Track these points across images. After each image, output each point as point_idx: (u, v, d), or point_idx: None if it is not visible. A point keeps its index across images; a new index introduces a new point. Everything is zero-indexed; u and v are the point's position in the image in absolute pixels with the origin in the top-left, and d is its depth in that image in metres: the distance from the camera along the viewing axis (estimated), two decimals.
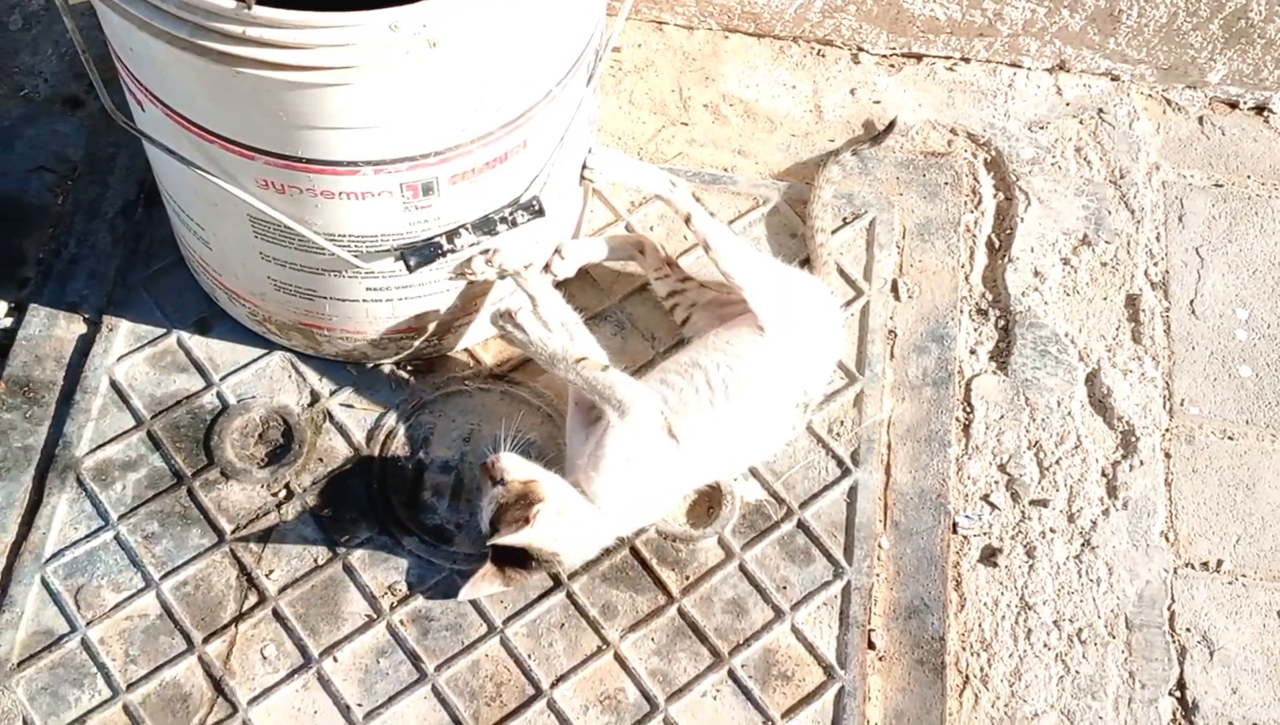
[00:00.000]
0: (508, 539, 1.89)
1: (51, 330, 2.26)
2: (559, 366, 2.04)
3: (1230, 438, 2.27)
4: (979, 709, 2.04)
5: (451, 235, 1.96)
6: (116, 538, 2.08)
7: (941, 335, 2.33)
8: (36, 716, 1.94)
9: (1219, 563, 2.16)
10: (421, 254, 1.95)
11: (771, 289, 2.11)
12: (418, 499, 2.13)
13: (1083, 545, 2.17)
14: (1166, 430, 2.27)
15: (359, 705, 1.98)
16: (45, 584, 2.03)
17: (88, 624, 2.01)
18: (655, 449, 1.98)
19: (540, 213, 1.99)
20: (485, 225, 1.97)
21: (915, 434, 2.23)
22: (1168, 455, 2.25)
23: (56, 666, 1.98)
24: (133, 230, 2.35)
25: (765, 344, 2.07)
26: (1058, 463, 2.23)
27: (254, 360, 2.24)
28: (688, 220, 2.17)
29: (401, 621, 2.04)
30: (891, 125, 2.49)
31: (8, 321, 2.27)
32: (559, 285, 2.19)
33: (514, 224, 1.98)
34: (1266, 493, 2.22)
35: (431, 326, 2.17)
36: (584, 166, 2.15)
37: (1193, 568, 2.16)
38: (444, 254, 1.96)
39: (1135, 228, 2.46)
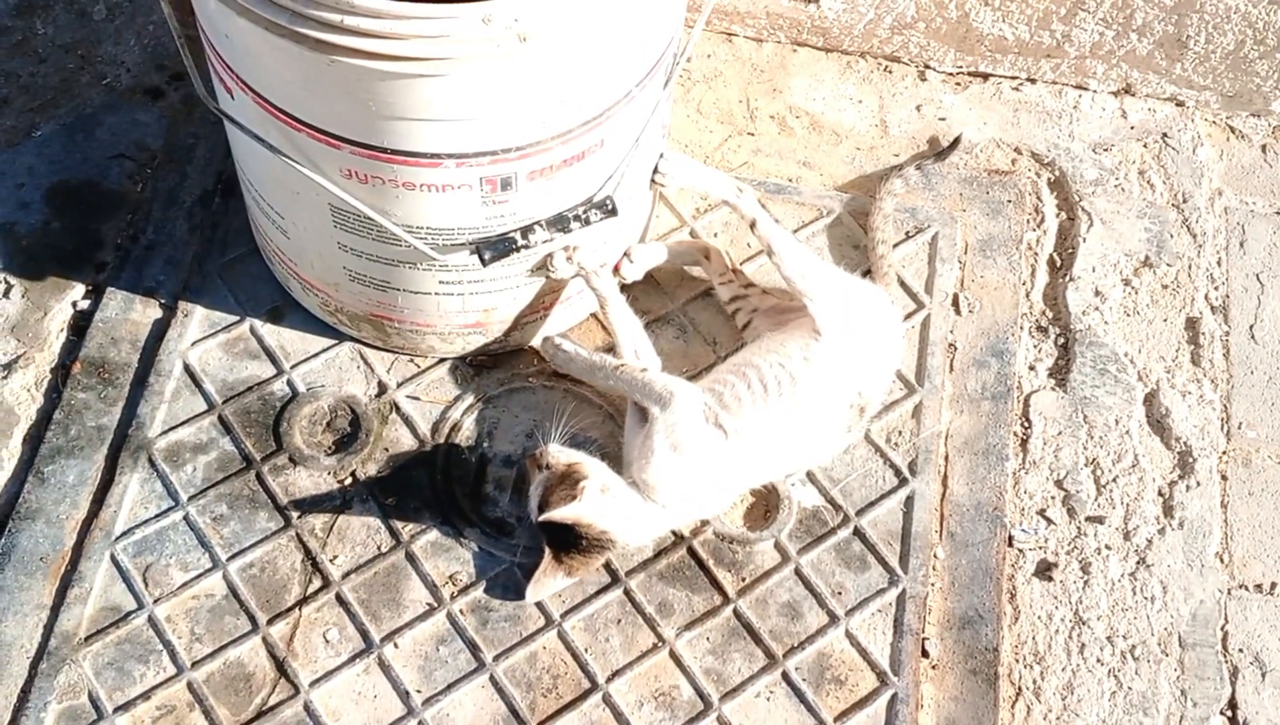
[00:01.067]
0: (557, 514, 1.93)
1: (128, 314, 2.30)
2: (598, 375, 2.13)
3: None
4: (1031, 720, 2.05)
5: (526, 231, 1.99)
6: (186, 518, 2.12)
7: (1001, 350, 2.35)
8: (101, 690, 1.98)
9: (1273, 585, 2.17)
10: (496, 248, 1.99)
11: (831, 294, 2.13)
12: (480, 491, 2.16)
13: (1138, 563, 2.18)
14: (1224, 453, 2.28)
15: (418, 692, 2.01)
16: (115, 561, 2.07)
17: (155, 602, 2.05)
18: (701, 439, 2.01)
19: (614, 212, 2.02)
20: (559, 222, 2.00)
21: (973, 447, 2.25)
22: (1224, 477, 2.26)
23: (123, 642, 2.02)
24: (209, 219, 2.40)
25: (821, 346, 2.09)
26: (1114, 481, 2.24)
27: (324, 350, 2.28)
28: (753, 225, 2.20)
29: (461, 611, 2.07)
30: (956, 142, 2.52)
31: (85, 303, 2.32)
32: (623, 289, 2.22)
33: (587, 222, 2.02)
34: None
35: (499, 322, 2.20)
36: (655, 171, 2.18)
37: (1246, 589, 2.16)
38: (518, 249, 2.00)
39: (1196, 252, 2.47)
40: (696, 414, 2.02)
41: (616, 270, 2.24)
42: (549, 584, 2.02)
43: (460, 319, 2.18)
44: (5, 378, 2.23)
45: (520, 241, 1.99)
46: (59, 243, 2.37)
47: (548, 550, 2.00)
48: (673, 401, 2.02)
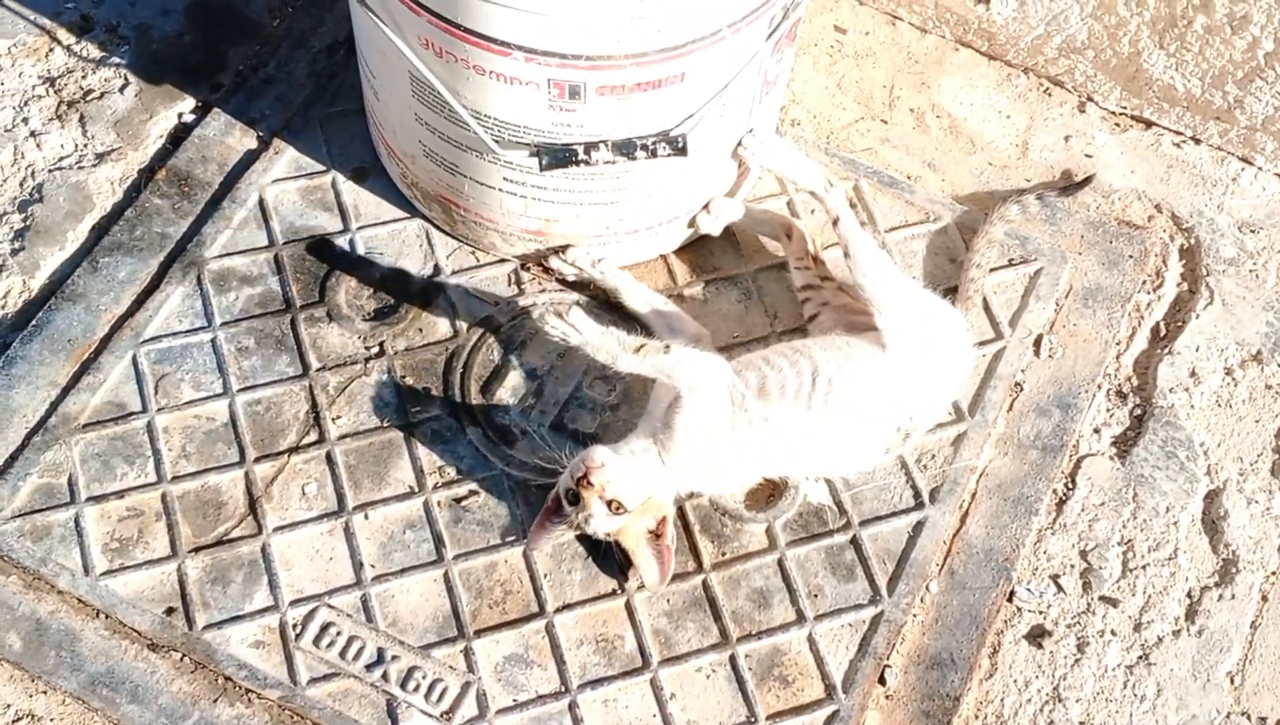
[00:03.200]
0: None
1: (225, 137, 2.35)
2: (621, 362, 1.96)
3: None
4: None
5: (590, 147, 1.96)
6: (213, 341, 2.16)
7: (1069, 403, 2.21)
8: (82, 477, 2.04)
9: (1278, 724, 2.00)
10: (556, 156, 1.96)
11: (904, 311, 2.03)
12: (495, 395, 2.15)
13: (1140, 658, 2.04)
14: (1273, 573, 2.11)
15: (372, 566, 2.01)
16: (135, 362, 2.13)
17: (159, 410, 2.10)
18: (724, 425, 1.95)
19: (683, 151, 1.97)
20: (626, 147, 1.96)
21: (1005, 492, 2.13)
22: (1265, 598, 2.09)
23: (116, 439, 2.08)
24: (330, 68, 2.43)
25: (882, 362, 2.00)
26: (1144, 568, 2.10)
27: (394, 220, 2.29)
28: (835, 222, 2.12)
29: (439, 503, 2.06)
30: (1088, 180, 2.38)
31: (191, 117, 2.38)
32: (701, 242, 2.18)
33: (654, 154, 1.97)
34: None
35: (561, 236, 2.18)
36: (739, 143, 2.12)
37: (1248, 718, 2.00)
38: (578, 162, 1.97)
39: None
40: (723, 401, 1.95)
41: (693, 223, 2.19)
42: (548, 534, 1.98)
43: (522, 222, 2.16)
44: (96, 165, 2.31)
45: (582, 155, 1.96)
46: (186, 55, 2.44)
47: (550, 502, 1.96)
48: (700, 388, 1.94)
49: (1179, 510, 2.15)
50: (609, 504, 1.88)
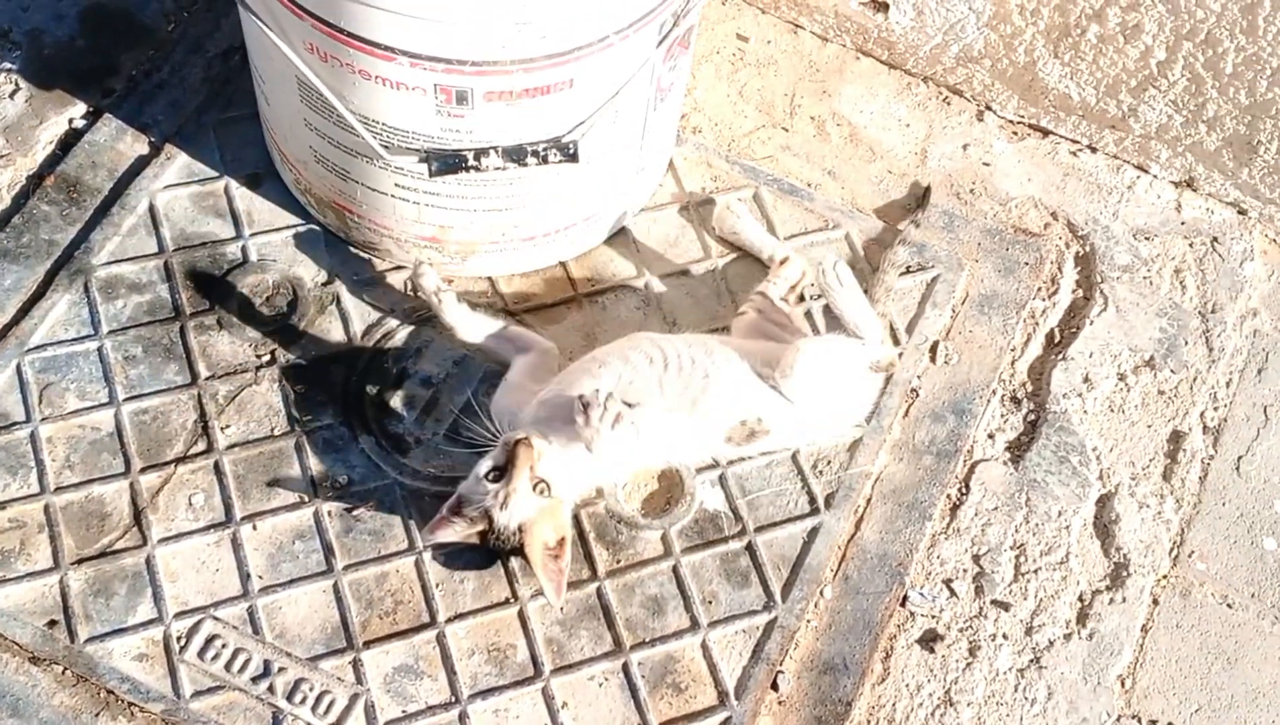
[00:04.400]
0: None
1: (116, 143, 2.32)
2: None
3: (1229, 605, 2.12)
4: None
5: (480, 153, 1.94)
6: (99, 350, 2.13)
7: (964, 409, 2.23)
8: None
9: None
10: (445, 162, 1.95)
11: (817, 361, 2.04)
12: (388, 404, 2.13)
13: (1031, 661, 2.05)
14: (1164, 577, 2.13)
15: (259, 577, 1.98)
16: (19, 370, 2.09)
17: (42, 420, 2.06)
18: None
19: (574, 158, 1.97)
20: (517, 153, 1.95)
21: (900, 497, 2.14)
22: (1156, 602, 2.11)
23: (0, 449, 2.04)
24: (224, 74, 2.40)
25: (769, 387, 2.02)
26: (1035, 572, 2.11)
27: (288, 227, 2.27)
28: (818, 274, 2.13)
29: (329, 513, 2.04)
30: (926, 193, 2.38)
31: (82, 123, 2.35)
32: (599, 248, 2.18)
33: (545, 161, 1.96)
34: (1246, 672, 2.06)
35: (456, 243, 2.16)
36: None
37: (1138, 721, 2.02)
38: (468, 168, 1.95)
39: (1208, 366, 2.31)
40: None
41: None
42: (450, 528, 1.95)
43: (416, 229, 2.14)
44: None
45: (472, 161, 1.95)
46: (78, 60, 2.40)
47: (454, 499, 1.94)
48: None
49: (1071, 514, 2.17)
50: (535, 485, 1.86)
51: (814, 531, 2.09)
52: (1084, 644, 2.07)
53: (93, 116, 2.35)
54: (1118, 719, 2.02)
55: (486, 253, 2.19)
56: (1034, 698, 2.03)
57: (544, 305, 2.24)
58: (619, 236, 2.31)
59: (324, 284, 2.22)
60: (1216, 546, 2.16)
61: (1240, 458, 2.24)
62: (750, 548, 2.07)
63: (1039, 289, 2.37)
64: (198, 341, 2.15)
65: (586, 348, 2.19)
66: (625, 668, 1.97)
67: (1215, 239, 2.44)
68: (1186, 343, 2.33)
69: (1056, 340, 2.33)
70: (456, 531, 1.94)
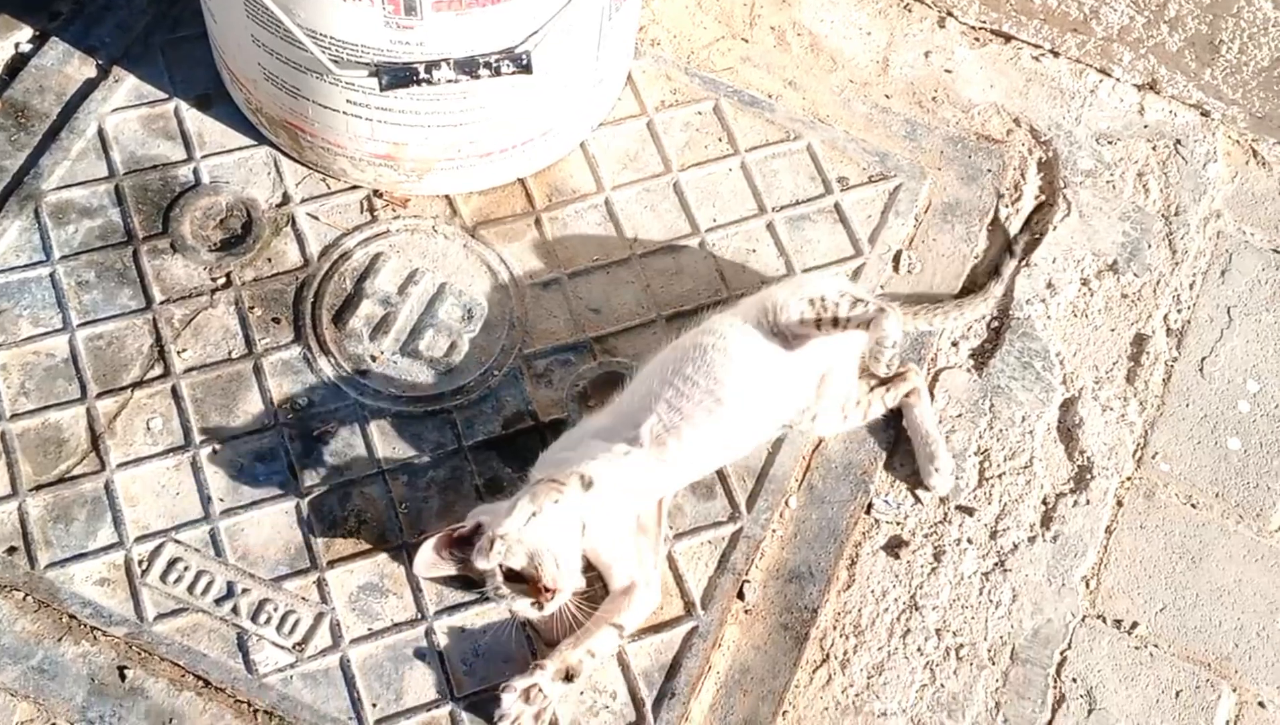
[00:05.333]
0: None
1: (63, 66, 2.28)
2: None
3: (1193, 505, 2.12)
4: (828, 690, 1.96)
5: (431, 66, 1.91)
6: (52, 276, 2.10)
7: None
8: None
9: (1134, 624, 2.03)
10: (397, 76, 1.92)
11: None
12: (347, 324, 2.11)
13: (995, 564, 2.05)
14: (1128, 478, 2.14)
15: (220, 500, 1.97)
16: None
17: None
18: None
19: (528, 69, 1.94)
20: (468, 66, 1.92)
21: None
22: (1120, 503, 2.12)
23: None
24: None
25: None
26: (1000, 477, 2.11)
27: (240, 148, 2.23)
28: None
29: (290, 435, 2.03)
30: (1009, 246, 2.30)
31: (28, 48, 2.31)
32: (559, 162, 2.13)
33: (498, 73, 1.93)
34: (1211, 571, 2.07)
35: (411, 161, 2.14)
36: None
37: (1103, 621, 2.03)
38: (419, 82, 1.92)
39: (1171, 269, 2.30)
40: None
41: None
42: (441, 566, 1.91)
43: (370, 147, 2.11)
44: None
45: (423, 75, 1.92)
46: None
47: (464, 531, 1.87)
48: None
49: (1035, 419, 2.17)
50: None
51: (778, 442, 2.08)
52: (1048, 547, 2.07)
53: (39, 40, 2.30)
54: (1082, 619, 2.03)
55: (443, 170, 2.16)
56: (999, 600, 2.03)
57: (503, 222, 2.22)
58: (578, 152, 2.28)
59: (278, 206, 2.19)
60: (1180, 448, 2.17)
61: (1204, 359, 2.24)
62: None
63: (1003, 196, 2.35)
64: (151, 265, 2.12)
65: (547, 265, 2.18)
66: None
67: (1178, 141, 2.42)
68: (1150, 246, 2.32)
69: (1019, 248, 2.31)
70: (447, 571, 1.90)
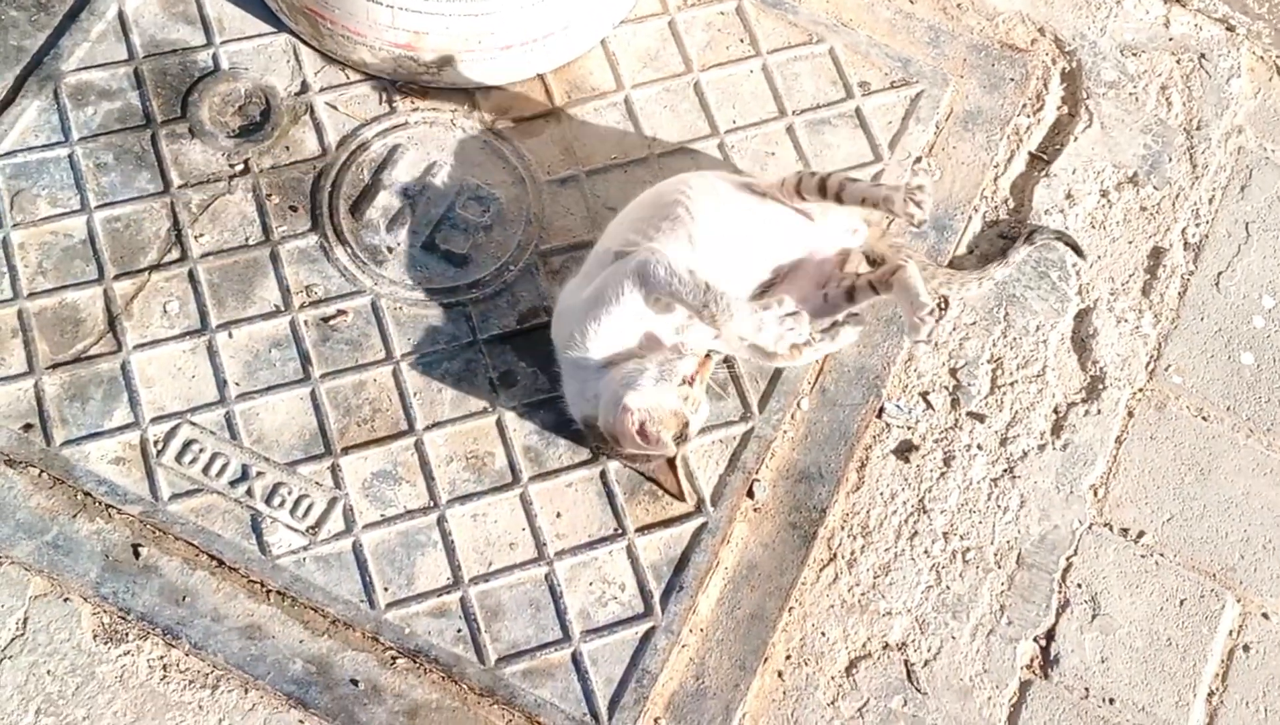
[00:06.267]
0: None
1: None
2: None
3: (1204, 418, 2.13)
4: (835, 589, 1.97)
5: None
6: (70, 157, 2.09)
7: (945, 225, 2.21)
8: None
9: (1140, 533, 2.04)
10: None
11: None
12: (364, 215, 2.11)
13: (1005, 471, 2.06)
14: (1140, 390, 2.14)
15: (236, 384, 1.98)
16: None
17: (14, 226, 2.04)
18: None
19: None
20: None
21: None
22: (1131, 414, 2.12)
23: None
24: None
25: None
26: (1012, 385, 2.12)
27: (260, 35, 2.22)
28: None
29: (306, 322, 2.03)
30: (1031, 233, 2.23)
31: None
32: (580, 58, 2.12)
33: None
34: (1220, 483, 2.08)
35: (431, 50, 2.12)
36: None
37: (1110, 529, 2.04)
38: None
39: (1191, 183, 2.29)
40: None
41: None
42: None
43: (390, 35, 2.10)
44: None
45: None
46: None
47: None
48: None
49: (1049, 329, 2.17)
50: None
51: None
52: (1058, 454, 2.08)
53: None
54: (1089, 527, 2.04)
55: (463, 62, 2.14)
56: (1006, 506, 2.04)
57: (522, 118, 2.21)
58: (598, 50, 2.26)
59: (297, 94, 2.18)
60: (1193, 361, 2.17)
61: (1220, 274, 2.24)
62: (728, 360, 2.07)
63: (1024, 105, 2.34)
64: (170, 149, 2.12)
65: (565, 162, 2.18)
66: (603, 475, 1.98)
67: (1202, 55, 2.40)
68: (1170, 159, 2.31)
69: (1041, 158, 2.30)
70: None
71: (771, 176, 2.05)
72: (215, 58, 2.19)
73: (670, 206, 1.93)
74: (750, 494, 2.00)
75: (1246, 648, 2.00)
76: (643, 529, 1.96)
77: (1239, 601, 2.02)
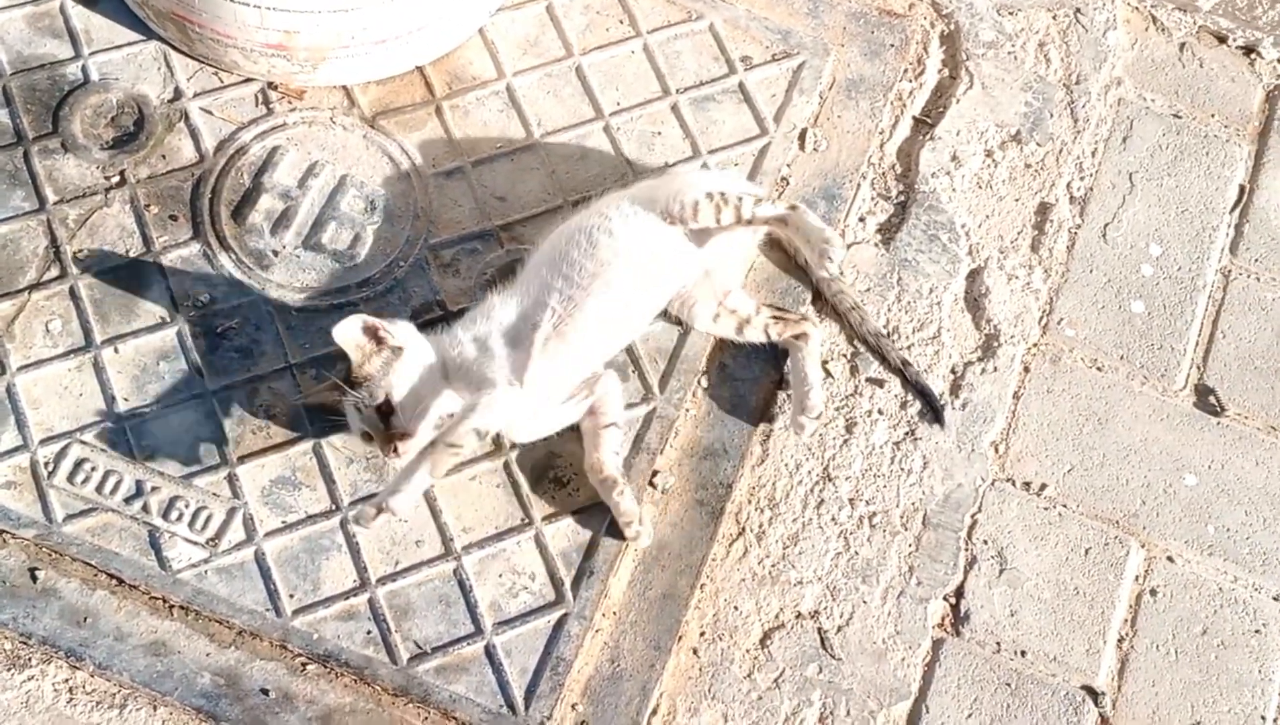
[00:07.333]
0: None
1: None
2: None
3: (1099, 369, 2.15)
4: (745, 562, 1.98)
5: None
6: None
7: (834, 195, 2.22)
8: None
9: (1042, 486, 2.06)
10: None
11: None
12: (246, 219, 2.08)
13: (906, 434, 2.08)
14: (1034, 345, 2.16)
15: (125, 399, 1.95)
16: None
17: None
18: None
19: None
20: None
21: (773, 284, 2.14)
22: (1027, 369, 2.14)
23: None
24: None
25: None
26: (909, 348, 2.13)
27: (129, 44, 2.18)
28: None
29: (194, 333, 2.00)
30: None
31: None
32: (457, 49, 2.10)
33: None
34: (1117, 432, 2.11)
35: (304, 50, 2.10)
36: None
37: (1013, 484, 2.06)
38: None
39: (1073, 137, 2.32)
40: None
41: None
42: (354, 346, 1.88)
43: (261, 36, 2.07)
44: None
45: None
46: None
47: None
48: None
49: (942, 291, 2.18)
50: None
51: (688, 326, 2.08)
52: (957, 414, 2.10)
53: None
54: (992, 483, 2.06)
55: (337, 59, 2.12)
56: (910, 468, 2.06)
57: (403, 112, 2.19)
58: (477, 39, 2.25)
59: (170, 101, 2.15)
60: (1085, 313, 2.20)
61: (1107, 225, 2.26)
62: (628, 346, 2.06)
63: (905, 70, 2.35)
64: (43, 165, 2.08)
65: (450, 153, 2.16)
66: (506, 466, 1.97)
67: (1078, 10, 2.43)
68: (1052, 115, 2.33)
69: (924, 122, 2.32)
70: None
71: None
72: (85, 69, 2.15)
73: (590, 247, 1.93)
74: (653, 485, 1.99)
75: (1154, 592, 2.03)
76: (549, 517, 1.95)
77: (1143, 547, 2.05)
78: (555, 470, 1.98)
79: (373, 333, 1.84)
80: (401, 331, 1.86)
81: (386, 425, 1.84)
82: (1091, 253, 2.24)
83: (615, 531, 1.93)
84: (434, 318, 2.04)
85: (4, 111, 2.10)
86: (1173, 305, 2.21)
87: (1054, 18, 2.42)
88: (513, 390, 1.84)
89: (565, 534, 1.94)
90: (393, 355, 1.84)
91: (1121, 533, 2.05)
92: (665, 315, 2.05)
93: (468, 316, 1.93)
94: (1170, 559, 2.05)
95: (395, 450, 1.83)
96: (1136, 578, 2.03)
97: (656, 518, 1.98)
